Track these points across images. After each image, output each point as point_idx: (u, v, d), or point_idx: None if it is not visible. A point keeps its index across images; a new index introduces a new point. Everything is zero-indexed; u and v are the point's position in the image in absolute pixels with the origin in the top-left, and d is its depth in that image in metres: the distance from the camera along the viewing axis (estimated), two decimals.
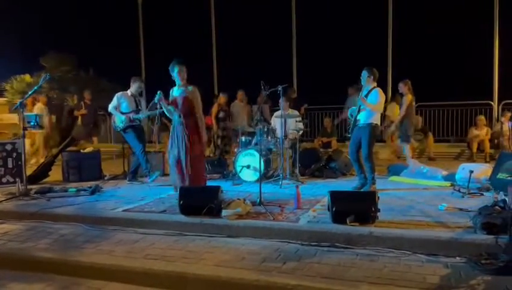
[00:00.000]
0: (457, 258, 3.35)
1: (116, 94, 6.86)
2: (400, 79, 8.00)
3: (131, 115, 6.70)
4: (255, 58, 13.59)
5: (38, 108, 10.60)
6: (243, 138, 7.29)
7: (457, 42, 12.23)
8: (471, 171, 5.51)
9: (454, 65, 12.18)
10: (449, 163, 8.61)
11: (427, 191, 5.78)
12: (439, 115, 11.66)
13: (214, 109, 9.49)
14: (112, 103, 6.83)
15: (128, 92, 6.85)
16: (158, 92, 5.49)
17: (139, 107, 6.87)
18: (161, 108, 5.63)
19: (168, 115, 5.66)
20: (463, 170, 5.98)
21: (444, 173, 6.58)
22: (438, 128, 11.62)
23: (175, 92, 5.58)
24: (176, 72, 5.46)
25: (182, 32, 14.48)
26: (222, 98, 9.53)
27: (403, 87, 7.72)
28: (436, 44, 12.68)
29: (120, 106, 6.76)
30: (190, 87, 5.53)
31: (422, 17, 12.39)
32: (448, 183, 6.08)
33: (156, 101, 5.53)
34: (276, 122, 7.14)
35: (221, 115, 9.35)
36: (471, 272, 3.09)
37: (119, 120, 6.77)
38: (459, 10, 11.88)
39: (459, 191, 5.48)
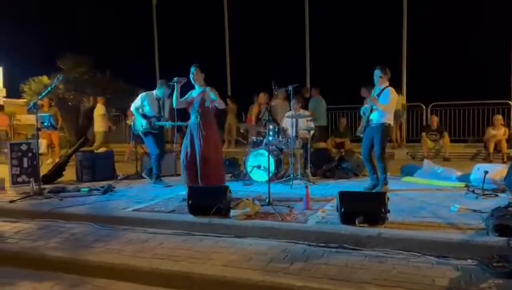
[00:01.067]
0: (469, 260, 3.28)
1: (141, 94, 6.58)
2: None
3: (153, 121, 6.42)
4: (268, 59, 13.59)
5: (99, 108, 10.69)
6: (254, 138, 7.26)
7: (474, 40, 12.02)
8: (486, 172, 5.39)
9: (472, 64, 11.97)
10: (465, 163, 8.44)
11: (440, 192, 5.68)
12: (456, 115, 11.48)
13: (255, 108, 9.28)
14: (135, 102, 6.56)
15: (154, 92, 6.52)
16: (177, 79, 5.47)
17: (162, 113, 6.51)
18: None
19: (175, 102, 5.55)
20: (478, 170, 5.87)
21: (459, 173, 6.46)
22: (454, 128, 11.44)
23: (193, 92, 5.62)
24: (191, 75, 5.49)
25: (195, 34, 14.57)
26: (262, 97, 9.19)
27: (365, 92, 7.36)
28: (453, 42, 12.49)
29: (143, 108, 6.49)
30: (208, 88, 5.55)
31: (438, 15, 12.21)
32: (462, 184, 5.97)
33: (174, 81, 5.51)
34: (287, 122, 7.11)
35: (261, 115, 9.04)
36: (482, 275, 3.02)
37: (139, 123, 6.50)
38: (474, 8, 11.68)
39: (473, 192, 5.37)
